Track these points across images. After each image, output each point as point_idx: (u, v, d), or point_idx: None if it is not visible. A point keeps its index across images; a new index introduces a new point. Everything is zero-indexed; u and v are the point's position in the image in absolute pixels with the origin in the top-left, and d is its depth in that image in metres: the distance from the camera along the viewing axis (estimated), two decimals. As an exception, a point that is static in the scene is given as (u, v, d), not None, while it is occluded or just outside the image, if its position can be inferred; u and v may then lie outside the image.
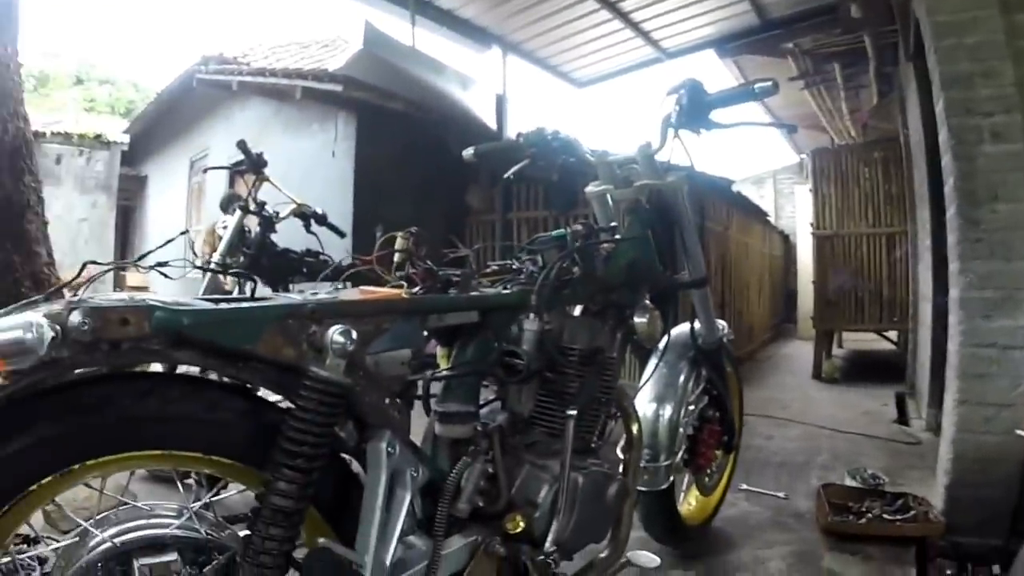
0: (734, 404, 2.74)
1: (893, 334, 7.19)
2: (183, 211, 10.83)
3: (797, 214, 11.86)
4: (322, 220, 3.60)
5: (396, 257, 1.55)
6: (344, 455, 1.38)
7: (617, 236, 1.99)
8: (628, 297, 1.93)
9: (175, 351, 1.15)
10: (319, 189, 6.09)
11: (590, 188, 2.21)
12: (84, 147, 11.49)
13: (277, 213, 3.54)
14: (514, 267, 1.87)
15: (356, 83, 6.27)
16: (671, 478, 2.35)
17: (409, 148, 6.69)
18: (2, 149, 3.96)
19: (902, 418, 4.80)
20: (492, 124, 8.04)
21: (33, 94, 18.54)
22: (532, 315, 1.62)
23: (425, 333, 1.52)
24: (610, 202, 2.18)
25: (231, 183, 3.56)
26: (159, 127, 11.63)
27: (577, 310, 1.88)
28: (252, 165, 3.57)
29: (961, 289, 2.70)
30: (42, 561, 1.89)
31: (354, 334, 1.23)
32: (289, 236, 3.55)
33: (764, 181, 15.25)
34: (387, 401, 1.36)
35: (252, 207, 3.47)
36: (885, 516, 2.80)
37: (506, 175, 2.11)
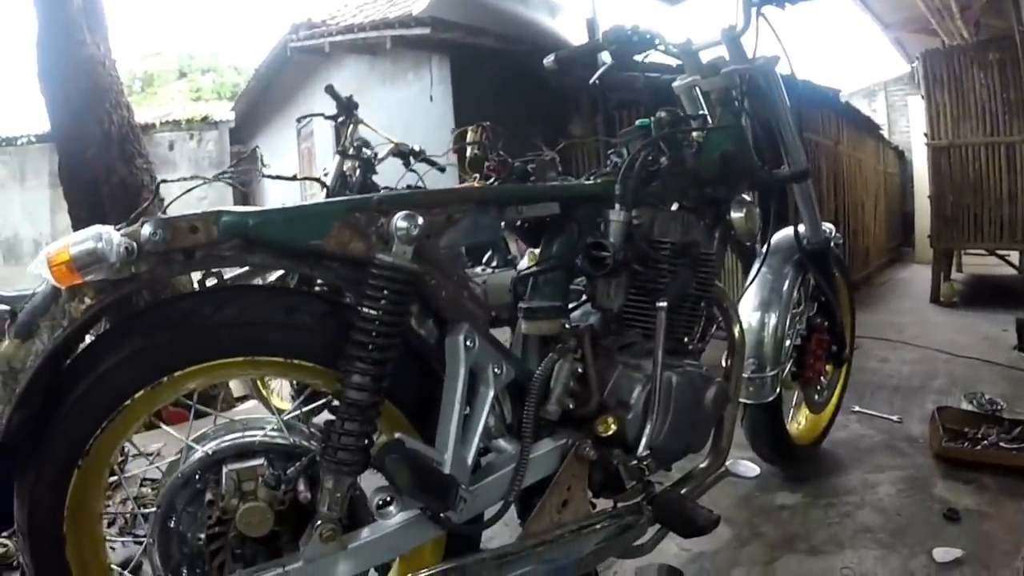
0: (844, 312, 2.59)
1: (1015, 258, 6.69)
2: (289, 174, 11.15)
3: (912, 128, 10.99)
4: (419, 156, 3.59)
5: (468, 152, 1.48)
6: (425, 354, 1.34)
7: (708, 126, 1.86)
8: (724, 192, 1.80)
9: (247, 254, 1.17)
10: (421, 136, 6.05)
11: (677, 82, 2.09)
12: (193, 130, 12.03)
13: (376, 154, 3.55)
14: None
15: (443, 23, 6.19)
16: (778, 390, 2.23)
17: (505, 83, 6.58)
18: (111, 138, 4.14)
19: (1023, 344, 4.49)
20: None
21: (141, 95, 19.48)
22: (617, 206, 1.52)
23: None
24: (699, 94, 2.05)
25: (337, 138, 3.62)
26: (263, 102, 11.94)
27: (673, 208, 1.77)
28: (343, 109, 3.60)
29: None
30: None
31: (420, 219, 1.18)
32: (391, 176, 3.56)
33: (875, 94, 14.30)
34: (464, 294, 1.30)
35: (351, 150, 3.49)
36: (1002, 444, 2.65)
37: (591, 79, 2.01)
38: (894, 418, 3.19)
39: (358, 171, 3.47)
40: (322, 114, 3.77)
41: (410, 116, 6.89)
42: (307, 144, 10.34)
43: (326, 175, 3.48)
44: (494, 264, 2.45)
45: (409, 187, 3.43)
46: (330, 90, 3.61)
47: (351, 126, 3.58)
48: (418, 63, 7.12)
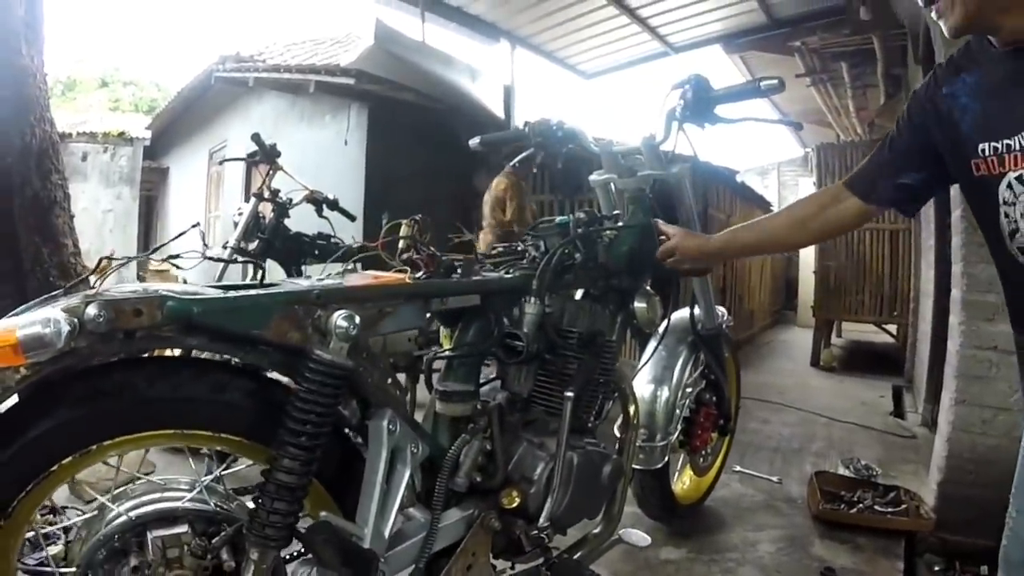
0: (731, 389, 2.74)
1: (892, 327, 7.13)
2: (203, 199, 11.11)
3: None
4: (333, 205, 3.64)
5: (400, 244, 1.56)
6: (347, 431, 1.40)
7: (620, 224, 1.99)
8: (629, 283, 1.94)
9: (187, 337, 1.18)
10: (332, 177, 6.18)
11: (594, 176, 2.22)
12: (108, 144, 11.80)
13: (291, 200, 3.59)
14: (519, 250, 1.88)
15: (367, 76, 6.31)
16: (667, 458, 2.36)
17: (419, 137, 6.72)
18: (30, 152, 4.08)
19: (898, 411, 4.77)
20: (500, 114, 8.01)
21: (61, 98, 18.79)
22: (533, 299, 1.63)
23: (428, 315, 1.53)
24: (613, 191, 2.19)
25: (248, 174, 3.62)
26: (180, 122, 11.86)
27: (579, 295, 1.90)
28: (266, 155, 3.64)
29: (963, 291, 2.67)
30: (66, 531, 1.92)
31: (357, 319, 1.25)
32: (302, 221, 3.59)
33: (768, 172, 15.12)
34: (389, 381, 1.38)
35: (266, 194, 3.52)
36: (877, 507, 2.81)
37: (512, 163, 2.12)
38: (774, 479, 3.32)
39: (272, 215, 3.49)
40: (243, 158, 3.79)
41: (324, 157, 6.98)
42: (217, 169, 10.33)
43: (240, 215, 3.49)
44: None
45: (321, 235, 3.50)
46: (256, 138, 3.63)
47: (271, 172, 3.61)
48: (337, 108, 7.22)
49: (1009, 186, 1.24)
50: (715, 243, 1.84)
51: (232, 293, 1.24)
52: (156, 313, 1.11)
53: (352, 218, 3.80)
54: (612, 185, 2.19)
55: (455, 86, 7.36)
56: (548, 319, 1.68)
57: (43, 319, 1.02)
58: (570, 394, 1.61)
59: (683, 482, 2.83)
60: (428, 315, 1.52)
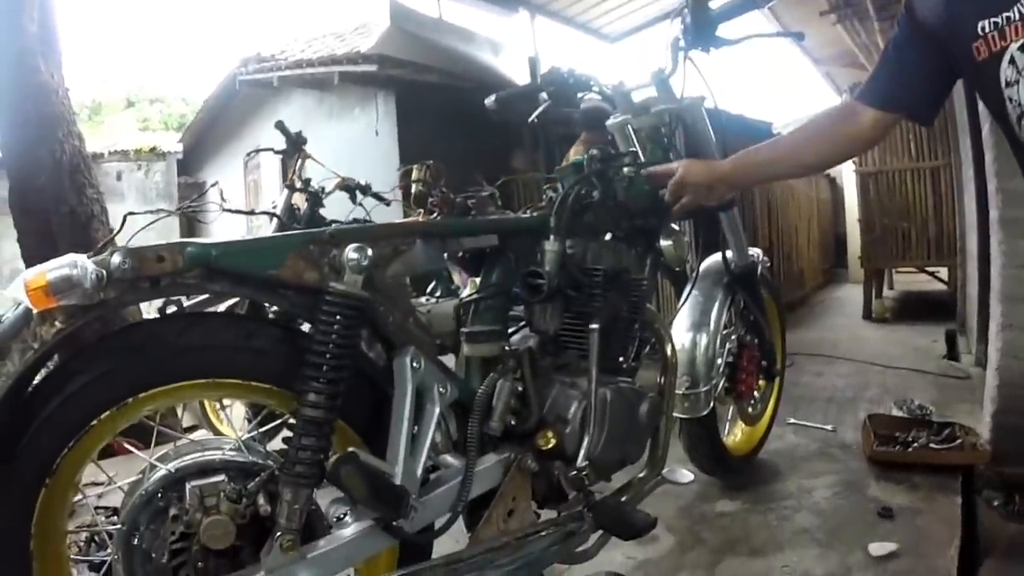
0: (774, 329, 2.69)
1: (944, 274, 6.92)
2: (242, 208, 11.06)
3: None
4: (366, 190, 3.65)
5: (413, 188, 1.55)
6: (375, 376, 1.40)
7: (638, 162, 1.95)
8: (653, 223, 1.90)
9: (209, 283, 1.21)
10: (367, 169, 6.07)
11: (610, 121, 2.18)
12: (141, 160, 11.84)
13: (323, 188, 3.59)
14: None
15: (389, 60, 6.28)
16: (711, 405, 2.31)
17: (449, 119, 6.64)
18: (62, 169, 4.07)
19: (952, 354, 4.62)
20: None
21: (89, 123, 18.95)
22: (552, 237, 1.61)
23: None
24: (631, 132, 2.14)
25: (284, 172, 3.63)
26: (211, 134, 11.86)
27: (605, 238, 1.85)
28: (292, 144, 3.64)
29: (1000, 208, 2.58)
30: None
31: (369, 251, 1.25)
32: (338, 210, 3.59)
33: None
34: (410, 320, 1.37)
35: (298, 184, 3.53)
36: (931, 445, 2.73)
37: (531, 118, 2.10)
38: (828, 427, 3.25)
39: (306, 204, 3.50)
40: (271, 149, 3.80)
41: (356, 150, 6.92)
42: (253, 176, 10.32)
43: (275, 207, 3.49)
44: (438, 294, 2.51)
45: (356, 220, 3.49)
46: (280, 126, 3.64)
47: (299, 161, 3.62)
48: (365, 99, 7.17)
49: (1011, 61, 1.19)
50: (726, 164, 1.75)
51: (248, 237, 1.27)
52: (178, 258, 1.15)
53: (387, 203, 3.79)
54: (629, 127, 2.14)
55: (478, 62, 7.30)
56: (571, 259, 1.65)
57: (69, 262, 1.07)
58: (595, 326, 1.59)
59: (735, 434, 2.78)
60: (445, 255, 1.51)
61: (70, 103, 4.34)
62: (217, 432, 3.07)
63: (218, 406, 3.25)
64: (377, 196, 3.70)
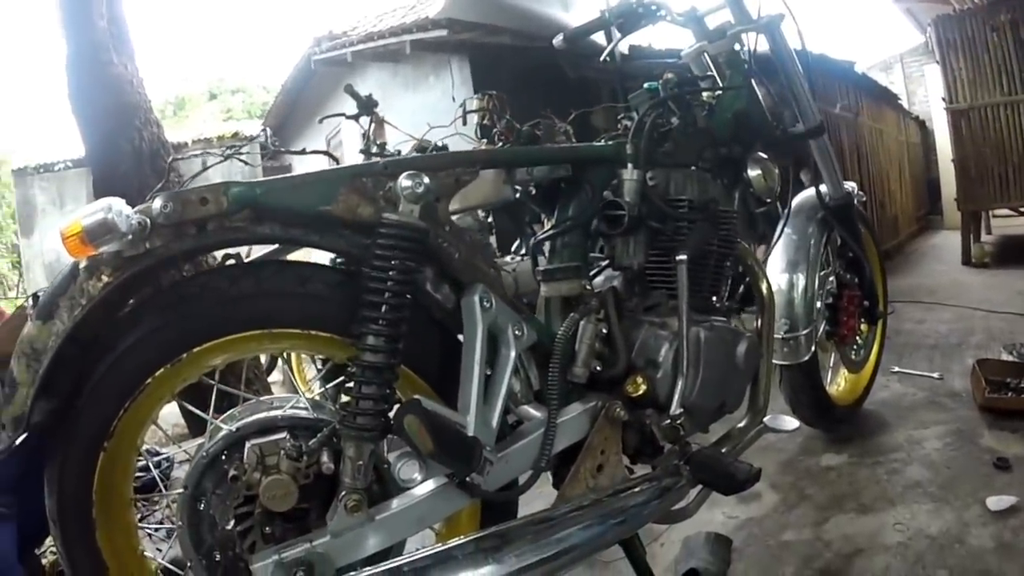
0: (874, 267, 2.48)
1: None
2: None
3: (931, 98, 10.61)
4: (443, 151, 3.54)
5: (476, 119, 1.42)
6: (444, 321, 1.29)
7: (718, 86, 1.78)
8: (739, 152, 1.73)
9: (258, 226, 1.13)
10: (446, 135, 6.05)
11: (685, 51, 2.00)
12: (225, 146, 12.03)
13: (399, 151, 3.51)
14: None
15: (459, 24, 6.14)
16: (812, 350, 2.14)
17: (524, 80, 6.48)
18: (142, 155, 4.18)
19: (1058, 296, 4.35)
20: (601, 40, 7.70)
21: (173, 118, 19.57)
22: (630, 166, 1.45)
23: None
24: (707, 60, 1.97)
25: (366, 143, 3.58)
26: (291, 116, 11.96)
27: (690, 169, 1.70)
28: (363, 107, 3.56)
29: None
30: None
31: (425, 179, 1.13)
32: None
33: (892, 66, 13.74)
34: (478, 256, 1.24)
35: (373, 148, 3.45)
36: None
37: (602, 57, 1.95)
38: (935, 375, 3.08)
39: None
40: (343, 114, 3.73)
41: (435, 118, 6.80)
42: (338, 153, 10.46)
43: None
44: (522, 252, 2.41)
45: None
46: (349, 89, 3.58)
47: (372, 124, 3.54)
48: (438, 66, 7.08)
49: None
50: None
51: (296, 174, 1.19)
52: (222, 199, 1.07)
53: None
54: (706, 55, 1.96)
55: (549, 18, 7.09)
56: (653, 190, 1.49)
57: (104, 206, 1.01)
58: (682, 257, 1.43)
59: (838, 383, 2.59)
60: (516, 188, 1.37)
61: (145, 92, 4.45)
62: (296, 384, 3.05)
63: (305, 365, 3.23)
64: None
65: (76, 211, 1.05)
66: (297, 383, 3.19)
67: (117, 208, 1.01)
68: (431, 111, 7.02)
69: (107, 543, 1.17)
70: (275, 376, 4.87)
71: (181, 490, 1.20)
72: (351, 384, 1.11)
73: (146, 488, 1.96)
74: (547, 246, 1.47)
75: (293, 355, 3.52)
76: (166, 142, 4.51)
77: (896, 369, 3.17)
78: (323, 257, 1.68)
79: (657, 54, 1.89)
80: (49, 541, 2.10)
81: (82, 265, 1.05)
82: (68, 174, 12.10)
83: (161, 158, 4.30)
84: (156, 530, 1.86)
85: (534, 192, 1.51)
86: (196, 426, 3.24)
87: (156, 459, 2.23)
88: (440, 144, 3.49)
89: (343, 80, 9.09)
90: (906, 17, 10.52)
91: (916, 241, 8.75)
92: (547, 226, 1.53)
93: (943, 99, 6.28)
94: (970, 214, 6.36)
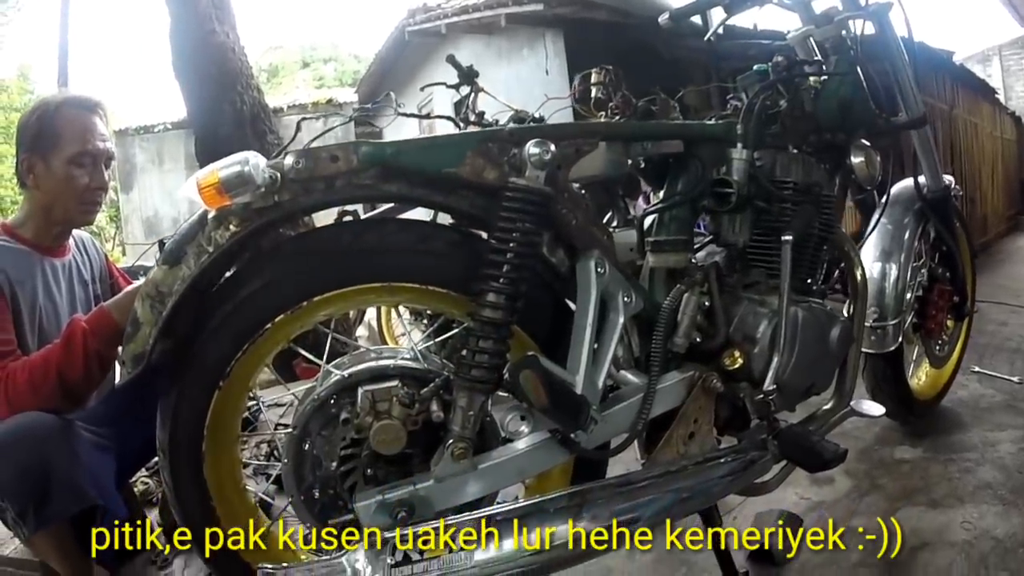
0: (965, 263, 2.41)
1: None
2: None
3: None
4: (541, 122, 3.54)
5: (592, 92, 1.44)
6: (557, 287, 1.31)
7: (824, 72, 1.75)
8: (842, 138, 1.69)
9: (385, 184, 1.16)
10: (539, 107, 5.99)
11: (791, 35, 1.96)
12: (319, 112, 12.07)
13: (496, 121, 3.51)
14: None
15: (555, -1, 6.06)
16: (899, 340, 2.10)
17: (619, 56, 6.30)
18: (243, 118, 4.34)
19: None
20: (697, 20, 7.51)
21: (267, 85, 19.82)
22: (739, 145, 1.45)
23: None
24: (813, 45, 1.93)
25: (457, 111, 3.60)
26: (384, 86, 11.81)
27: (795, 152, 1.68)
28: (464, 77, 3.59)
29: None
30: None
31: (551, 146, 1.15)
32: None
33: (990, 59, 13.14)
34: (595, 223, 1.26)
35: (472, 118, 3.48)
36: None
37: (707, 36, 1.93)
38: (1015, 379, 2.98)
39: None
40: (444, 83, 3.77)
41: (527, 90, 6.74)
42: (427, 123, 10.44)
43: None
44: (614, 224, 2.42)
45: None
46: (451, 60, 3.60)
47: (472, 95, 3.57)
48: (533, 39, 7.00)
49: None
50: None
51: (424, 136, 1.22)
52: (352, 158, 1.10)
53: None
54: (811, 40, 1.92)
55: (647, -4, 6.95)
56: (760, 170, 1.49)
57: (241, 159, 1.04)
58: (788, 238, 1.43)
59: (919, 377, 2.54)
60: (630, 162, 1.38)
61: (246, 59, 4.60)
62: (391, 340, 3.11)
63: (394, 320, 3.29)
64: None
65: (194, 169, 1.08)
66: (387, 336, 3.27)
67: (254, 162, 1.04)
68: (525, 83, 7.00)
69: (213, 476, 1.23)
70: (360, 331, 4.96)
71: (290, 429, 1.25)
72: (468, 339, 1.14)
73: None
74: (657, 217, 1.48)
75: (383, 310, 3.60)
76: (266, 106, 4.65)
77: (976, 369, 3.08)
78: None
79: (753, 34, 1.84)
80: (141, 472, 2.20)
81: (211, 215, 1.09)
82: (167, 135, 12.53)
83: (260, 120, 4.44)
84: (249, 466, 1.92)
85: (643, 166, 1.53)
86: (284, 372, 3.35)
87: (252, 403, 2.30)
88: (538, 115, 3.51)
89: (436, 50, 9.21)
90: (1007, 9, 10.00)
91: (1004, 241, 8.42)
92: (654, 200, 1.54)
93: (1040, 95, 5.98)
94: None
